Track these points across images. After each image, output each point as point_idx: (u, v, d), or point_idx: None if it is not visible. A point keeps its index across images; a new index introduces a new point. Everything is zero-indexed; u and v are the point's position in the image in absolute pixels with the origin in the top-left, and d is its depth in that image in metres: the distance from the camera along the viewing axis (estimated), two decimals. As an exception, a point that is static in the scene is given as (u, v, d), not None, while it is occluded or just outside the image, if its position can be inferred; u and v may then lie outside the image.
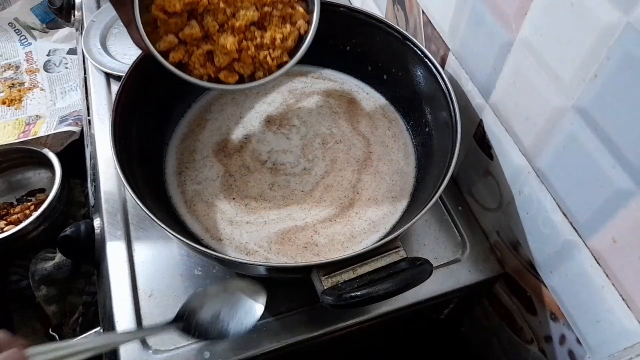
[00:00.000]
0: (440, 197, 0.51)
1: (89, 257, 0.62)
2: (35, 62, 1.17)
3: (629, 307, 0.41)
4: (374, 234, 0.57)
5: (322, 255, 0.55)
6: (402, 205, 0.60)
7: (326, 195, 0.60)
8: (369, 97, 0.70)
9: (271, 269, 0.51)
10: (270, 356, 0.53)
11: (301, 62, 0.55)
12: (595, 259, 0.43)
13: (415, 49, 0.60)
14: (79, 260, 0.86)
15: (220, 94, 0.70)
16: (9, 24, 1.21)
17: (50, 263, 0.86)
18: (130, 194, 0.48)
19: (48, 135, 0.98)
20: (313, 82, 0.72)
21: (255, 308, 0.48)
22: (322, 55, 0.70)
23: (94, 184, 0.69)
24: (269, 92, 0.71)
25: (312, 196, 0.60)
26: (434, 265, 0.58)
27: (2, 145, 0.98)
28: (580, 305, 0.47)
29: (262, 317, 0.54)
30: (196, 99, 0.69)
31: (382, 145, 0.65)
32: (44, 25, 1.23)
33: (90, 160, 0.74)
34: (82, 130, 0.97)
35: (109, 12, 0.87)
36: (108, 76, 0.79)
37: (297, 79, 0.72)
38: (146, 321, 0.54)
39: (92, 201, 0.70)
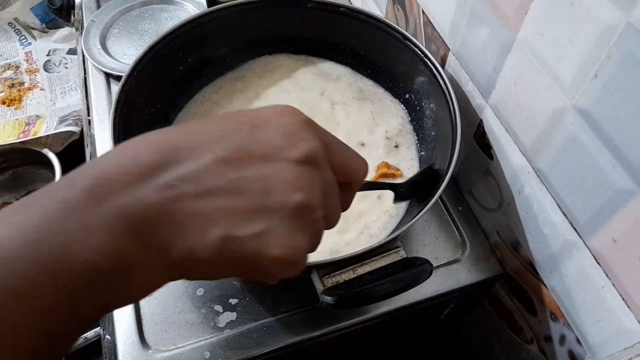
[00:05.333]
0: (440, 197, 0.51)
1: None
2: (35, 62, 1.17)
3: (629, 307, 0.41)
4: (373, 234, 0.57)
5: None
6: (402, 205, 0.60)
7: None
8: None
9: (271, 269, 0.50)
10: (270, 356, 0.53)
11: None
12: (596, 259, 0.43)
13: (415, 49, 0.60)
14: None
15: (223, 96, 0.70)
16: (8, 23, 1.21)
17: (50, 263, 0.86)
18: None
19: (48, 135, 0.98)
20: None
21: None
22: (322, 55, 0.70)
23: (93, 184, 0.69)
24: (268, 96, 0.71)
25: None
26: (434, 265, 0.58)
27: (2, 145, 0.97)
28: (580, 305, 0.47)
29: (262, 317, 0.54)
30: (196, 99, 0.69)
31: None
32: (44, 25, 1.23)
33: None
34: (82, 131, 0.97)
35: (108, 12, 0.87)
36: (108, 76, 0.78)
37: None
38: (146, 321, 0.54)
39: (92, 201, 0.70)
